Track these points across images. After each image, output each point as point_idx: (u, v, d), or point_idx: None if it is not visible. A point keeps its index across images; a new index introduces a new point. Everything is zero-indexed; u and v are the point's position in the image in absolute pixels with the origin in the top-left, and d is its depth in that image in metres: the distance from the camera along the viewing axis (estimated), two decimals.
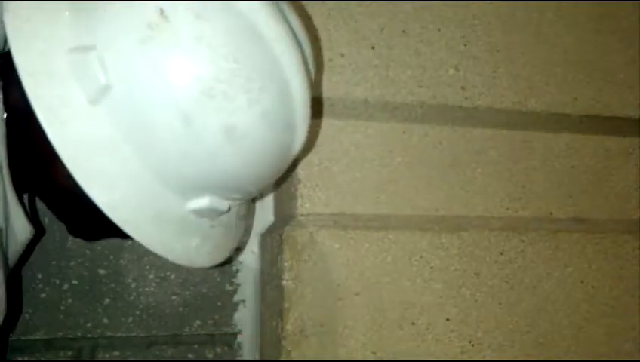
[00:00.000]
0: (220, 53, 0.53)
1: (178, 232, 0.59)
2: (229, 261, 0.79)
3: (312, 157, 0.78)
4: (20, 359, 0.79)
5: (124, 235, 0.58)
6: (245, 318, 0.86)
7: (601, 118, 0.89)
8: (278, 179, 0.71)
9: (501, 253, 0.83)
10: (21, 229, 0.62)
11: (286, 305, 0.75)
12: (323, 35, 0.78)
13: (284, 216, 0.81)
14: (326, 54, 0.78)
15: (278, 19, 0.56)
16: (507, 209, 0.85)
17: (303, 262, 0.76)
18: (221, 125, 0.54)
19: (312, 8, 0.78)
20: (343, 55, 0.79)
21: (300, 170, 0.78)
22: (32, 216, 0.68)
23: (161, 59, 0.52)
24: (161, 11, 0.52)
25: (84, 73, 0.52)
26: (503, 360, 0.82)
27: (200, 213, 0.59)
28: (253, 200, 0.79)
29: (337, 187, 0.79)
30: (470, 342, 0.81)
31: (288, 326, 0.75)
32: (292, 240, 0.76)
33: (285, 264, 0.75)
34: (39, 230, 0.73)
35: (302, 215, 0.77)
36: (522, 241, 0.84)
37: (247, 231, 0.71)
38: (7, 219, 0.58)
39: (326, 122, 0.79)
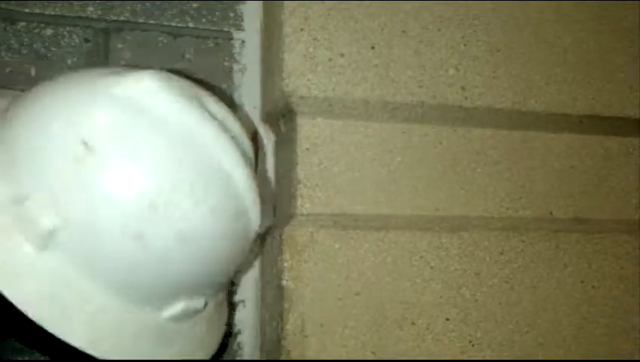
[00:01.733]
0: (158, 166, 0.53)
1: (159, 343, 0.58)
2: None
3: (312, 157, 0.78)
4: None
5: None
6: (245, 318, 0.86)
7: (601, 118, 0.89)
8: (246, 259, 0.71)
9: (501, 253, 0.83)
10: None
11: (286, 305, 0.75)
12: (323, 35, 0.78)
13: (284, 216, 0.81)
14: (326, 54, 0.79)
15: (205, 118, 0.57)
16: (507, 209, 0.85)
17: (303, 262, 0.76)
18: (171, 233, 0.54)
19: (312, 8, 0.78)
20: (342, 55, 0.79)
21: (300, 170, 0.78)
22: None
23: (98, 187, 0.52)
24: (85, 144, 0.52)
25: (25, 224, 0.52)
26: (503, 360, 0.82)
27: (177, 318, 0.59)
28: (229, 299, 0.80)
29: (337, 187, 0.79)
30: (470, 342, 0.81)
31: (288, 326, 0.75)
32: (292, 240, 0.76)
33: (285, 264, 0.75)
34: None
35: (302, 215, 0.77)
36: (522, 241, 0.84)
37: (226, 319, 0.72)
38: None
39: (326, 122, 0.79)
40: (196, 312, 0.62)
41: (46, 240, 0.52)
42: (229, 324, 0.81)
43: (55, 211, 0.52)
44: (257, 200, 0.62)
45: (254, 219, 0.62)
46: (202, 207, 0.55)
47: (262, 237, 0.84)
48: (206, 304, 0.62)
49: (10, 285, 0.51)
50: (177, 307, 0.59)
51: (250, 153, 0.64)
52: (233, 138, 0.60)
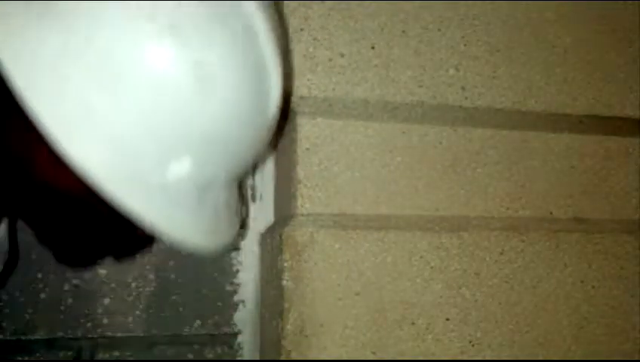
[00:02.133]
0: None
1: (164, 200, 0.56)
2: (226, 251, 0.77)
3: (312, 157, 0.78)
4: (19, 359, 0.79)
5: (116, 253, 0.57)
6: (245, 318, 0.86)
7: (601, 118, 0.89)
8: (259, 155, 0.69)
9: (501, 253, 0.83)
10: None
11: (286, 305, 0.75)
12: (323, 35, 0.78)
13: (284, 216, 0.81)
14: (326, 54, 0.79)
15: None
16: (507, 209, 0.85)
17: (303, 262, 0.76)
18: (189, 65, 0.53)
19: (312, 8, 0.78)
20: (342, 55, 0.79)
21: (300, 170, 0.78)
22: (12, 245, 0.67)
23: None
24: None
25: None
26: (503, 360, 0.82)
27: (182, 179, 0.57)
28: (242, 199, 0.77)
29: (337, 187, 0.79)
30: (470, 342, 0.81)
31: (288, 326, 0.75)
32: (292, 240, 0.76)
33: (285, 264, 0.75)
34: (16, 258, 0.72)
35: (302, 215, 0.77)
36: (522, 241, 0.84)
37: (239, 228, 0.70)
38: None
39: (326, 122, 0.79)
40: (203, 184, 0.59)
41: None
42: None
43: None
44: (280, 70, 0.60)
45: (275, 90, 0.60)
46: (221, 45, 0.55)
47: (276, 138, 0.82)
48: (215, 178, 0.60)
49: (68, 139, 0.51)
50: (184, 165, 0.57)
51: (280, 33, 0.63)
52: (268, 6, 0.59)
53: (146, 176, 0.55)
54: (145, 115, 0.54)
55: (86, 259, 0.70)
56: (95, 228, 0.60)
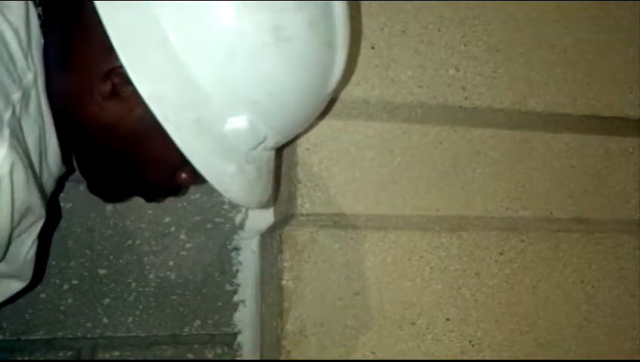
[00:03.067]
0: None
1: (217, 149, 0.59)
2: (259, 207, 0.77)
3: (312, 157, 0.78)
4: (20, 359, 0.79)
5: (148, 195, 0.60)
6: (245, 318, 0.86)
7: (601, 118, 0.89)
8: (308, 125, 0.71)
9: (501, 253, 0.83)
10: (55, 161, 0.62)
11: (286, 305, 0.75)
12: None
13: (284, 216, 0.81)
14: None
15: None
16: (507, 209, 0.85)
17: (303, 262, 0.76)
18: (269, 23, 0.56)
19: None
20: None
21: (300, 170, 0.78)
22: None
23: None
24: None
25: None
26: (503, 360, 0.82)
27: (238, 134, 0.59)
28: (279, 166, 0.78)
29: (337, 187, 0.79)
30: (470, 342, 0.81)
31: (288, 326, 0.75)
32: (292, 240, 0.76)
33: (285, 264, 0.75)
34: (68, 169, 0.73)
35: (302, 215, 0.77)
36: (522, 241, 0.84)
37: (270, 191, 0.71)
38: (43, 151, 0.59)
39: (326, 122, 0.79)
40: (255, 142, 0.61)
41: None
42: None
43: None
44: (346, 47, 0.63)
45: (338, 65, 0.63)
46: (303, 13, 0.57)
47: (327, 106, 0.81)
48: (264, 140, 0.62)
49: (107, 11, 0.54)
50: (241, 120, 0.59)
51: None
52: None
53: (205, 122, 0.58)
54: (220, 64, 0.56)
55: (117, 196, 0.73)
56: (132, 168, 0.63)
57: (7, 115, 0.52)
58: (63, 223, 0.80)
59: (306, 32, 0.58)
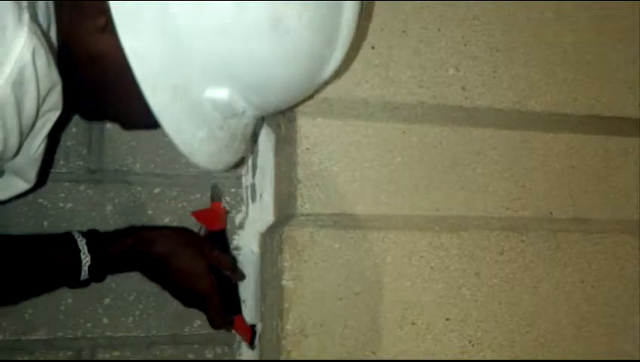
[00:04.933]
0: None
1: (189, 114, 0.60)
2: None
3: (312, 157, 0.78)
4: (20, 359, 0.79)
5: (125, 124, 0.63)
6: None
7: (601, 118, 0.89)
8: (293, 106, 0.72)
9: (501, 253, 0.83)
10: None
11: (286, 305, 0.75)
12: None
13: (284, 216, 0.81)
14: None
15: None
16: (507, 209, 0.85)
17: (303, 262, 0.76)
18: (271, 12, 0.56)
19: None
20: None
21: (300, 170, 0.78)
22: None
23: None
24: None
25: None
26: (503, 360, 0.82)
27: (216, 104, 0.60)
28: (255, 137, 0.80)
29: (337, 187, 0.79)
30: (470, 342, 0.81)
31: (288, 326, 0.75)
32: (292, 240, 0.76)
33: (285, 264, 0.75)
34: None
35: (302, 215, 0.77)
36: (522, 241, 0.84)
37: (243, 154, 0.73)
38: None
39: (326, 122, 0.79)
40: (232, 113, 0.62)
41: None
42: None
43: None
44: (347, 46, 0.64)
45: (335, 60, 0.64)
46: (307, 10, 0.57)
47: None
48: (243, 113, 0.63)
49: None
50: (222, 93, 0.60)
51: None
52: None
53: (182, 88, 0.59)
54: (212, 35, 0.57)
55: (95, 117, 0.75)
56: (111, 99, 0.65)
57: (25, 1, 0.53)
58: (62, 223, 0.80)
59: (305, 30, 0.58)
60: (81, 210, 0.81)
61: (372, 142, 0.80)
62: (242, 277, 0.82)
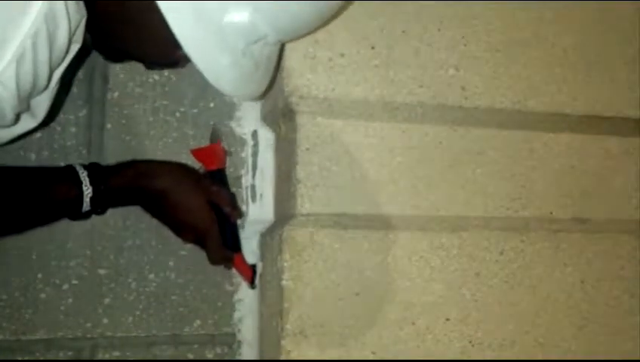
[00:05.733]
0: None
1: (212, 40, 0.60)
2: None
3: (312, 157, 0.78)
4: (19, 359, 0.79)
5: (146, 63, 0.65)
6: (245, 318, 0.86)
7: (601, 118, 0.88)
8: (314, 29, 0.71)
9: (501, 253, 0.83)
10: None
11: (286, 305, 0.75)
12: (323, 35, 0.78)
13: (284, 216, 0.81)
14: (326, 54, 0.79)
15: None
16: (507, 209, 0.85)
17: (303, 262, 0.76)
18: None
19: None
20: (343, 55, 0.79)
21: (300, 170, 0.78)
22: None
23: None
24: None
25: None
26: (503, 360, 0.82)
27: (237, 27, 0.60)
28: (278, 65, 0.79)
29: (337, 187, 0.79)
30: (470, 342, 0.81)
31: (288, 326, 0.75)
32: (292, 240, 0.76)
33: (285, 264, 0.75)
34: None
35: (302, 215, 0.77)
36: (522, 241, 0.84)
37: (267, 86, 0.73)
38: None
39: (326, 122, 0.79)
40: (254, 37, 0.62)
41: None
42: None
43: None
44: None
45: None
46: None
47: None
48: (265, 37, 0.63)
49: None
50: (243, 15, 0.60)
51: None
52: None
53: (205, 11, 0.59)
54: None
55: (117, 58, 0.75)
56: (133, 38, 0.65)
57: None
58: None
59: None
60: None
61: (372, 142, 0.80)
62: (240, 214, 0.83)
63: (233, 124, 0.87)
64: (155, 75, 0.84)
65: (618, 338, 0.87)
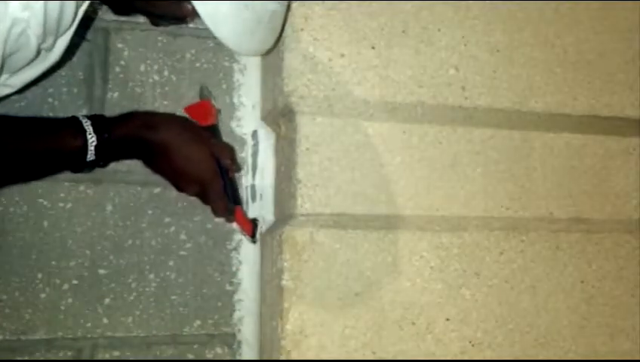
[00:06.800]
0: None
1: None
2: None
3: (312, 157, 0.78)
4: (19, 359, 0.79)
5: (153, 17, 0.67)
6: (245, 318, 0.86)
7: (601, 118, 0.89)
8: None
9: (501, 253, 0.83)
10: None
11: (286, 305, 0.75)
12: (323, 35, 0.78)
13: (284, 216, 0.81)
14: (326, 54, 0.79)
15: None
16: (507, 209, 0.85)
17: (303, 262, 0.76)
18: None
19: (312, 8, 0.78)
20: (343, 55, 0.79)
21: (300, 170, 0.78)
22: None
23: None
24: None
25: None
26: (503, 360, 0.82)
27: None
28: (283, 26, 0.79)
29: (337, 187, 0.79)
30: (470, 342, 0.81)
31: (288, 326, 0.75)
32: (292, 240, 0.76)
33: (285, 264, 0.75)
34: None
35: (302, 215, 0.77)
36: (522, 241, 0.84)
37: (270, 45, 0.74)
38: None
39: (326, 122, 0.79)
40: None
41: None
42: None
43: None
44: None
45: None
46: None
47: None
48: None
49: None
50: None
51: None
52: None
53: None
54: None
55: (125, 11, 0.76)
56: None
57: None
58: (62, 223, 0.80)
59: None
60: (81, 210, 0.81)
61: (372, 142, 0.80)
62: (239, 168, 0.84)
63: (233, 124, 0.87)
64: (155, 75, 0.84)
65: (618, 338, 0.87)
